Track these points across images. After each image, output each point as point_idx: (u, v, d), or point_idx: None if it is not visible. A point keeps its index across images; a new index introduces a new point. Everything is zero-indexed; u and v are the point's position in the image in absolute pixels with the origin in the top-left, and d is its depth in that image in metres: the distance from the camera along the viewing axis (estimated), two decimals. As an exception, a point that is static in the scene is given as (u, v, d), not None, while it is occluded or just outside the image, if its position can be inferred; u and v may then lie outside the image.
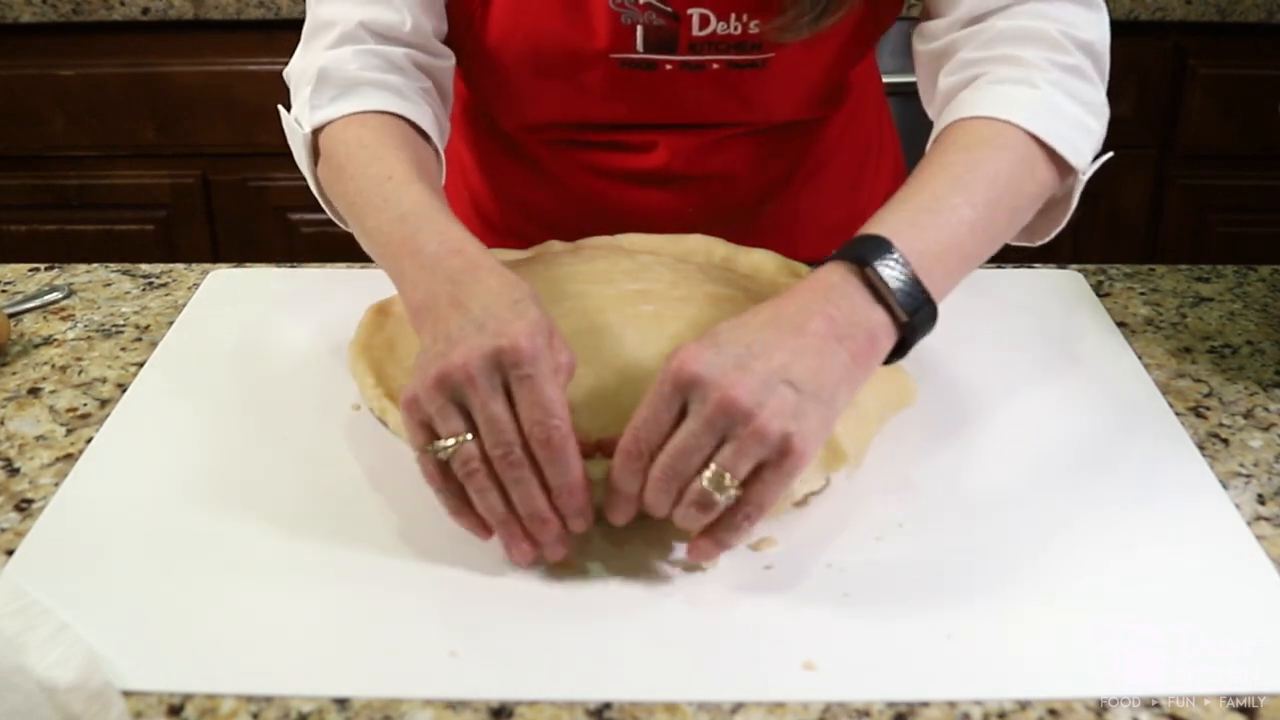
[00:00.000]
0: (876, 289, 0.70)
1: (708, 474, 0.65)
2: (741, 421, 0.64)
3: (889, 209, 0.76)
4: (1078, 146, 0.82)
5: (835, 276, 0.71)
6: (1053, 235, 0.87)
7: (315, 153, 0.89)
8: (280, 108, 0.92)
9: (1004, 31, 0.85)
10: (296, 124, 0.89)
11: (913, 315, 0.71)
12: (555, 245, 0.96)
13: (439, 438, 0.67)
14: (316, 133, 0.88)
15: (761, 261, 0.94)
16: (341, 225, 0.91)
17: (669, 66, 0.95)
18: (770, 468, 0.65)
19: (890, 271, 0.70)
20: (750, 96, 0.99)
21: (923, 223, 0.74)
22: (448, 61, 0.95)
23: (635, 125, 1.02)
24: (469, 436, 0.67)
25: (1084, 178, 0.84)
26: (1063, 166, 0.82)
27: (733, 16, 0.93)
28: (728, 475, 0.65)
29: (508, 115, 1.06)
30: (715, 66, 0.96)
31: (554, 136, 1.05)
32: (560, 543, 0.68)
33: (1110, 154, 0.86)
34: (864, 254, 0.71)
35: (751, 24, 0.93)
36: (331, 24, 0.90)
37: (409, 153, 0.84)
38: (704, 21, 0.93)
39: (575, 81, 0.97)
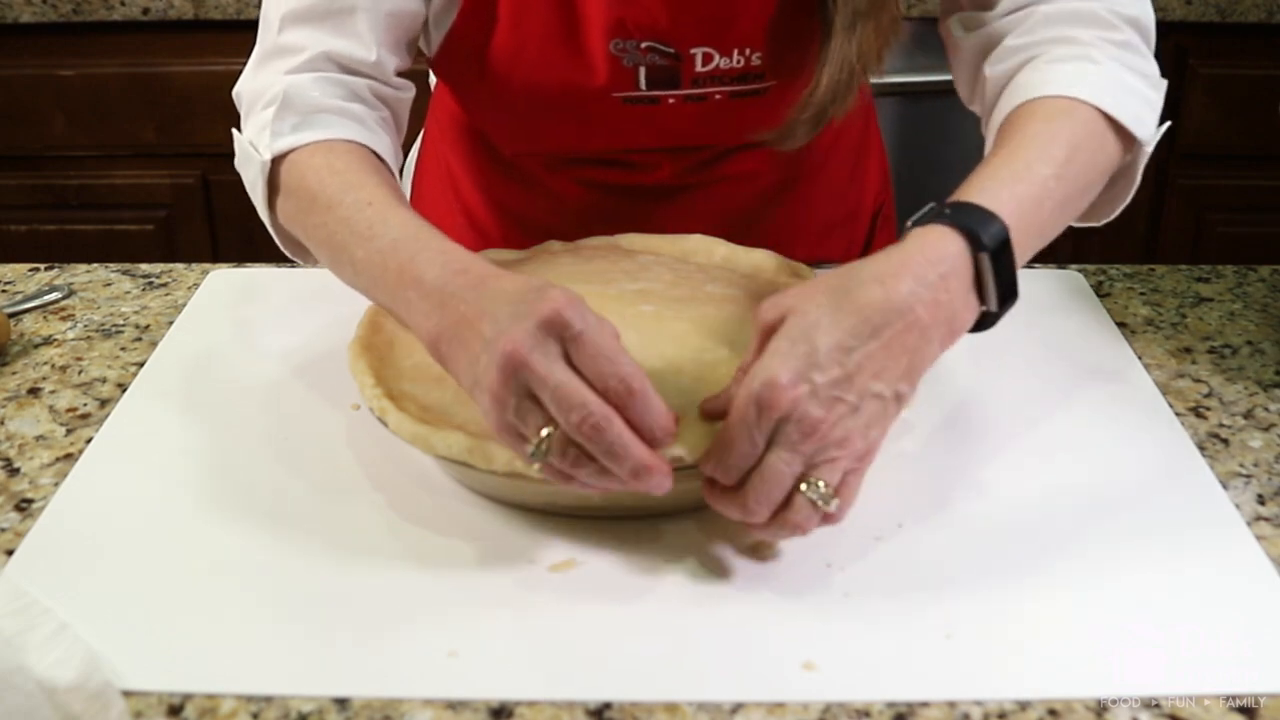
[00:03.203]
0: (981, 278, 0.70)
1: (805, 486, 0.65)
2: (834, 446, 0.65)
3: (991, 177, 0.74)
4: (1142, 118, 0.82)
5: (952, 249, 0.69)
6: (1116, 213, 0.87)
7: (270, 181, 0.84)
8: (234, 130, 0.88)
9: (1050, 15, 0.85)
10: (253, 149, 0.85)
11: (1001, 309, 0.71)
12: (554, 245, 0.96)
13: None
14: (276, 161, 0.84)
15: (762, 261, 0.94)
16: (297, 258, 0.90)
17: (671, 100, 0.95)
18: (853, 472, 0.67)
19: (999, 264, 0.70)
20: (752, 121, 0.99)
21: (1020, 194, 0.73)
22: (407, 94, 0.92)
23: (638, 150, 1.02)
24: (555, 427, 0.64)
25: (1148, 149, 0.84)
26: (1126, 139, 0.82)
27: (735, 52, 0.93)
28: (823, 484, 0.65)
29: (508, 144, 1.06)
30: (718, 98, 0.96)
31: (553, 160, 1.05)
32: (669, 477, 0.65)
33: (1170, 123, 0.86)
34: (979, 233, 0.70)
35: (754, 57, 0.93)
36: (294, 50, 0.86)
37: (382, 178, 0.81)
38: (707, 59, 0.93)
39: (577, 116, 0.97)
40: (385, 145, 0.87)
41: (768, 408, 0.64)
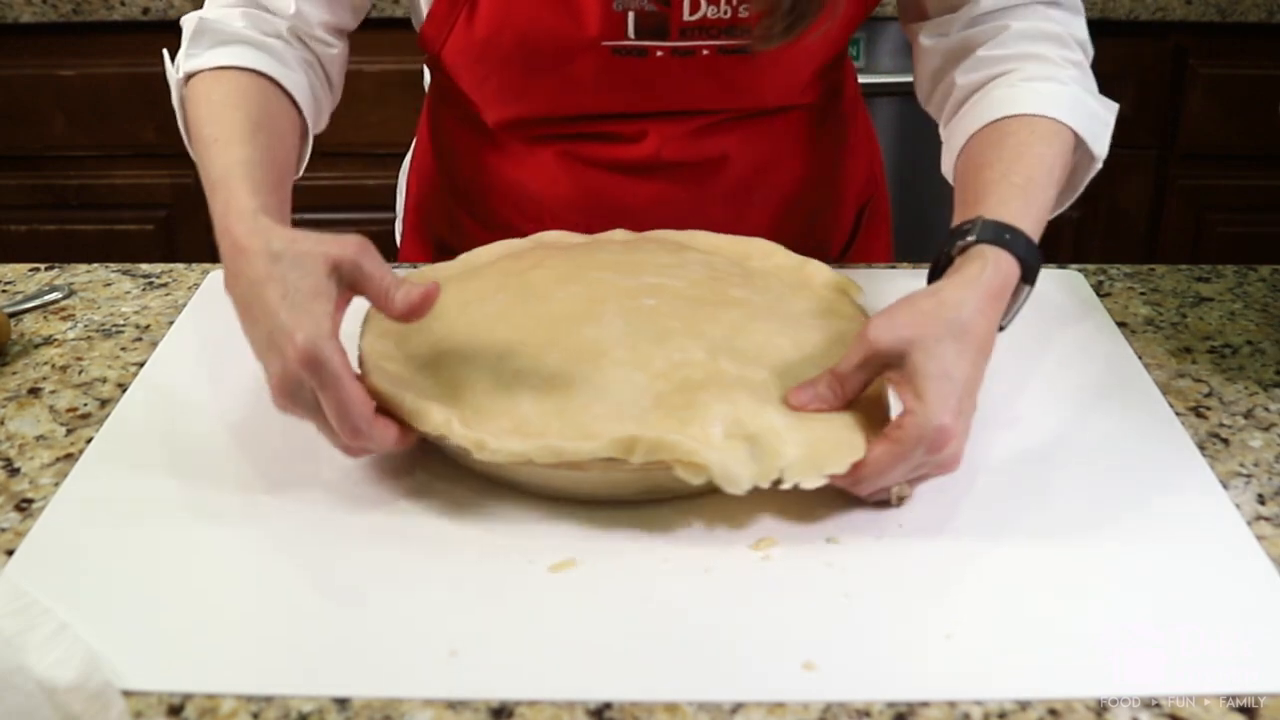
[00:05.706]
0: (1017, 298, 0.80)
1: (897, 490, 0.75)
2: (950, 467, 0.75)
3: (1022, 198, 0.81)
4: (1100, 138, 0.91)
5: (1010, 279, 0.78)
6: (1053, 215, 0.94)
7: (182, 102, 0.92)
8: (164, 51, 0.95)
9: (1020, 31, 0.93)
10: (174, 69, 0.92)
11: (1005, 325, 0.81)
12: (618, 234, 0.97)
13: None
14: (190, 81, 0.90)
15: (814, 273, 0.91)
16: None
17: (660, 53, 0.97)
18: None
19: (1026, 293, 0.80)
20: (739, 82, 1.01)
21: (1042, 219, 0.83)
22: (333, 50, 0.97)
23: (625, 115, 1.03)
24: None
25: (1099, 165, 0.92)
26: (1083, 155, 0.91)
27: (723, 0, 0.95)
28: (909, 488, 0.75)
29: (495, 110, 1.06)
30: (705, 53, 0.98)
31: (542, 132, 1.06)
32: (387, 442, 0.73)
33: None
34: (1034, 269, 0.79)
35: (741, 8, 0.95)
36: None
37: (247, 111, 0.86)
38: (694, 6, 0.95)
39: (566, 72, 0.98)
40: (300, 83, 0.92)
41: (936, 446, 0.71)
